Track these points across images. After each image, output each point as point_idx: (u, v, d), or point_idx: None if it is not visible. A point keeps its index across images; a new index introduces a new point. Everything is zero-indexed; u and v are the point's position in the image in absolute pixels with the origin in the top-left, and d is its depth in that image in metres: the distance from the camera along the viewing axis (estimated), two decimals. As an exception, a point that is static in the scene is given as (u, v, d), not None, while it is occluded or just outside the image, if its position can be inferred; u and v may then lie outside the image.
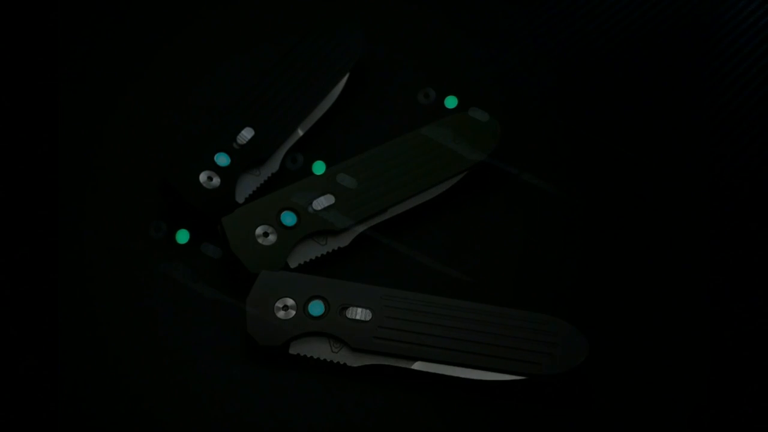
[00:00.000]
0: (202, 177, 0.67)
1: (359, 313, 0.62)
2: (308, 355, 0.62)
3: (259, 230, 0.65)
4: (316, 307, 0.62)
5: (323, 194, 0.67)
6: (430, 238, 0.69)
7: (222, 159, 0.68)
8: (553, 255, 0.69)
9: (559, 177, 0.72)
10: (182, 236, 0.68)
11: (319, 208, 0.66)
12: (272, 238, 0.65)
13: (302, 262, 0.66)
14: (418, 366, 0.61)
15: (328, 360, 0.62)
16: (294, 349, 0.62)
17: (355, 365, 0.62)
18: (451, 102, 0.75)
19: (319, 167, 0.70)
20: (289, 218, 0.66)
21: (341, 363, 0.62)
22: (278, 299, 0.62)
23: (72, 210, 0.70)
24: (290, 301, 0.62)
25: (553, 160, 0.73)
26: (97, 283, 0.66)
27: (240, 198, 0.68)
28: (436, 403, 0.62)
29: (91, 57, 0.77)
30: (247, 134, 0.69)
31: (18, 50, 0.76)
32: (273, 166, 0.70)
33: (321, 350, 0.62)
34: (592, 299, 0.67)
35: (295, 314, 0.62)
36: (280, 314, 0.62)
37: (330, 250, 0.67)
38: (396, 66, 0.77)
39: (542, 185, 0.71)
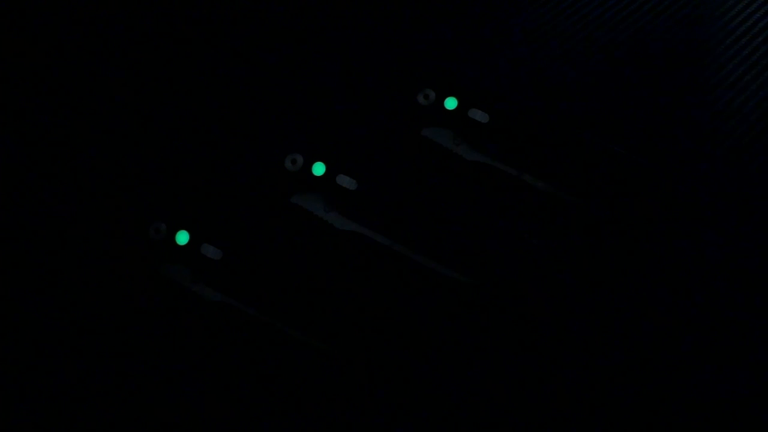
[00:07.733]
0: None
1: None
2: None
3: None
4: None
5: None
6: (430, 238, 0.69)
7: None
8: (554, 255, 0.69)
9: (559, 177, 0.72)
10: (182, 237, 0.68)
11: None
12: None
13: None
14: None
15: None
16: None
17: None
18: (451, 102, 0.75)
19: (319, 168, 0.70)
20: None
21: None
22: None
23: (72, 210, 0.70)
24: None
25: (553, 160, 0.73)
26: (98, 283, 0.66)
27: None
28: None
29: (91, 56, 0.77)
30: None
31: (17, 49, 0.76)
32: None
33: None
34: (592, 299, 0.67)
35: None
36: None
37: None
38: (396, 66, 0.77)
39: (542, 185, 0.71)
